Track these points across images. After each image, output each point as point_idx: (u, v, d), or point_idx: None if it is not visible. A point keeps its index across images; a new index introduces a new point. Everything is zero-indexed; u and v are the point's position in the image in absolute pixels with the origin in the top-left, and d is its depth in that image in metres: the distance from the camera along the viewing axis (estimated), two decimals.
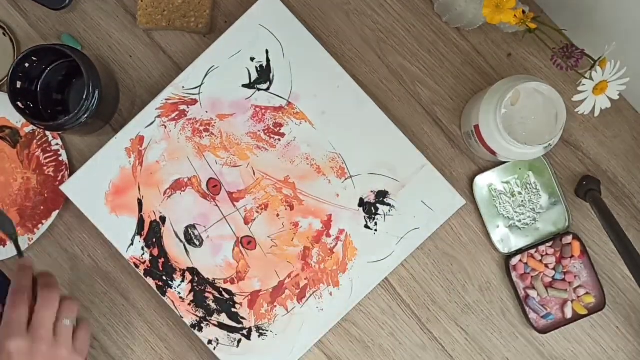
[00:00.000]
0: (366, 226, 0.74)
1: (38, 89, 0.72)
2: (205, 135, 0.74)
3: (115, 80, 0.76)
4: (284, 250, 0.74)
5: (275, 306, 0.74)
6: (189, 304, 0.74)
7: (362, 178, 0.74)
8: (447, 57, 0.76)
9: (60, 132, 0.71)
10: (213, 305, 0.74)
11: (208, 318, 0.74)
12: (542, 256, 0.75)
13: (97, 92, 0.68)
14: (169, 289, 0.74)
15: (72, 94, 0.75)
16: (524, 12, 0.64)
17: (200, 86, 0.74)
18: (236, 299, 0.74)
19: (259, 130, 0.74)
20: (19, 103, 0.67)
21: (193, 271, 0.74)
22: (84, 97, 0.67)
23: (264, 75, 0.74)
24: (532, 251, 0.75)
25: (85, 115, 0.68)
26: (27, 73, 0.70)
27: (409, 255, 0.74)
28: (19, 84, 0.68)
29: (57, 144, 0.75)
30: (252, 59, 0.74)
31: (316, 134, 0.74)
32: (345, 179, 0.74)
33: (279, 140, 0.74)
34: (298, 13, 0.75)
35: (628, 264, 0.66)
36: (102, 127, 0.75)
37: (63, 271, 0.76)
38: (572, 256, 0.75)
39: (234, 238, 0.74)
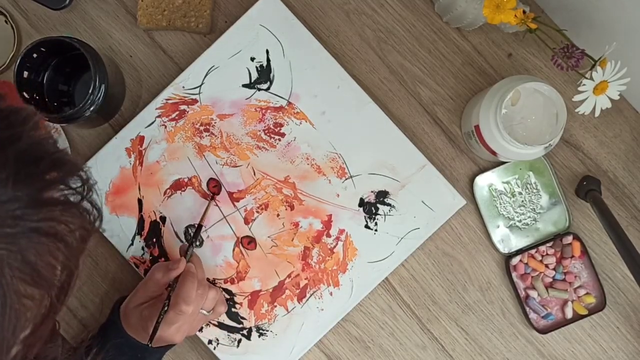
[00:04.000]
0: (366, 226, 0.74)
1: (44, 81, 0.72)
2: (206, 135, 0.74)
3: (122, 76, 0.76)
4: (284, 250, 0.74)
5: (276, 306, 0.74)
6: None
7: (362, 178, 0.74)
8: (447, 57, 0.76)
9: (63, 125, 0.71)
10: None
11: None
12: (542, 256, 0.75)
13: (103, 87, 0.68)
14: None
15: (79, 87, 0.75)
16: (524, 12, 0.64)
17: (200, 86, 0.74)
18: (236, 299, 0.74)
19: (259, 130, 0.74)
20: (24, 93, 0.68)
21: None
22: (90, 90, 0.67)
23: (264, 75, 0.74)
24: (533, 251, 0.75)
25: (91, 109, 0.68)
26: (34, 64, 0.69)
27: (409, 255, 0.74)
28: (25, 74, 0.68)
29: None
30: (253, 59, 0.74)
31: (316, 134, 0.74)
32: (346, 179, 0.74)
33: (279, 140, 0.74)
34: (298, 13, 0.75)
35: (628, 264, 0.66)
36: (108, 120, 0.75)
37: None
38: (573, 256, 0.75)
39: (234, 238, 0.74)
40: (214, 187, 0.74)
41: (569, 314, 0.75)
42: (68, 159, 0.41)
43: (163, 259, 0.74)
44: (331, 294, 0.74)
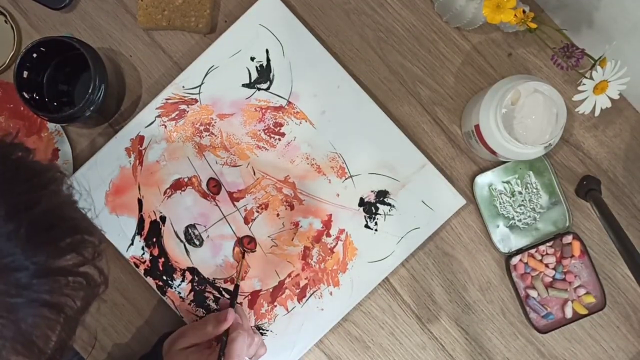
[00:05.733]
0: (366, 226, 0.74)
1: (44, 81, 0.72)
2: (206, 135, 0.74)
3: (122, 76, 0.76)
4: (284, 250, 0.74)
5: (276, 306, 0.74)
6: (189, 304, 0.74)
7: (362, 178, 0.74)
8: (447, 56, 0.76)
9: (63, 125, 0.71)
10: (213, 305, 0.74)
11: None
12: (542, 256, 0.75)
13: (103, 86, 0.68)
14: (169, 289, 0.74)
15: (78, 87, 0.75)
16: (524, 11, 0.64)
17: (200, 86, 0.74)
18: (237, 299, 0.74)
19: (259, 130, 0.74)
20: (24, 93, 0.67)
21: (193, 271, 0.74)
22: (90, 90, 0.67)
23: (264, 74, 0.74)
24: (533, 251, 0.75)
25: (91, 109, 0.68)
26: (34, 64, 0.69)
27: (410, 254, 0.74)
28: (25, 74, 0.68)
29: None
30: (252, 59, 0.74)
31: (316, 133, 0.74)
32: (346, 179, 0.74)
33: (279, 139, 0.74)
34: (298, 13, 0.75)
35: (628, 264, 0.66)
36: (108, 120, 0.75)
37: None
38: (573, 256, 0.75)
39: (234, 238, 0.74)
40: (214, 187, 0.74)
41: (569, 313, 0.75)
42: (84, 225, 0.39)
43: (163, 259, 0.74)
44: (331, 293, 0.74)
